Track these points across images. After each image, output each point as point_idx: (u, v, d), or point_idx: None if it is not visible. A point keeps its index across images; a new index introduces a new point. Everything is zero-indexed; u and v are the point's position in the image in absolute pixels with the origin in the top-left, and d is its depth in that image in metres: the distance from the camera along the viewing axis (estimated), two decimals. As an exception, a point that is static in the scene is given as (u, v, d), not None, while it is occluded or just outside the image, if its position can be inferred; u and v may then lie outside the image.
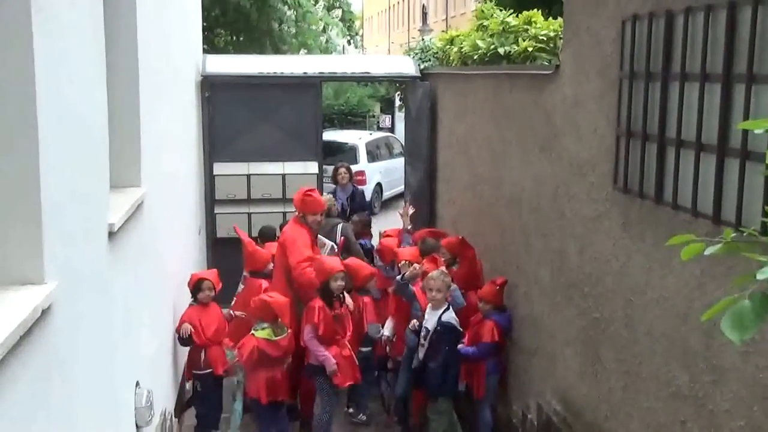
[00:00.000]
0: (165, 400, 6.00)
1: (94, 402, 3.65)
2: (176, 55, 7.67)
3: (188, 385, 7.27)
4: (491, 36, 8.31)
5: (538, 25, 7.84)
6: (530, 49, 7.48)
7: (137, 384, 4.74)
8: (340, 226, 8.48)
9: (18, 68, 2.67)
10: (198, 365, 6.81)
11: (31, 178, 2.73)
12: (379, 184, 18.44)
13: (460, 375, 6.72)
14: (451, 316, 6.56)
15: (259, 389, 6.47)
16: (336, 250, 7.64)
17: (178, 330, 6.70)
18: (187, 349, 6.89)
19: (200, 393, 6.94)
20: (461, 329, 6.66)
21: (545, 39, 7.54)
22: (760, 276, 1.66)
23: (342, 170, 10.43)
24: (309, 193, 7.24)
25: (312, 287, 6.70)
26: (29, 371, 2.62)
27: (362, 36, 27.26)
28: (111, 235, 3.98)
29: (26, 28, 2.66)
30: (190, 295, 6.95)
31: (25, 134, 2.70)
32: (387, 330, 7.20)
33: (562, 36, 6.31)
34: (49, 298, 2.75)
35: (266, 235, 8.31)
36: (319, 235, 7.47)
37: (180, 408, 7.10)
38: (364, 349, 7.26)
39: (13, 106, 2.68)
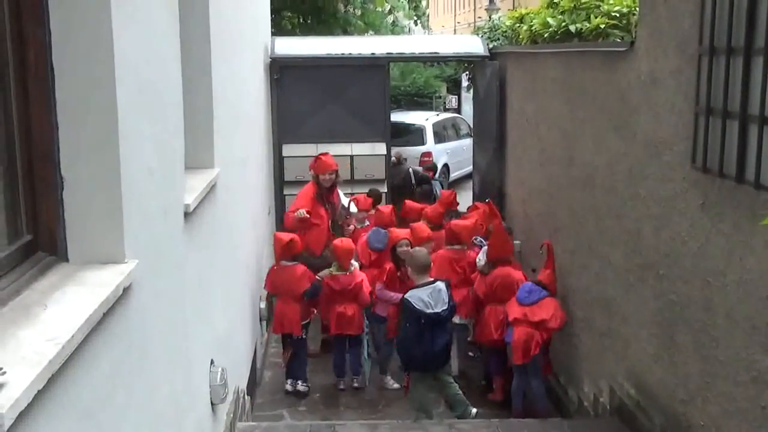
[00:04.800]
0: (238, 378, 6.09)
1: (171, 379, 3.72)
2: (246, 37, 7.73)
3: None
4: (562, 13, 8.14)
5: (611, 1, 7.66)
6: (602, 26, 7.31)
7: (212, 362, 4.81)
8: (411, 169, 11.67)
9: (98, 50, 2.71)
10: (308, 315, 7.75)
11: (111, 158, 2.77)
12: (446, 165, 18.34)
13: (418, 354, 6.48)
14: (408, 294, 6.45)
15: (330, 321, 7.63)
16: (353, 203, 8.81)
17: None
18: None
19: (303, 341, 7.75)
20: (411, 308, 6.35)
21: (618, 15, 7.36)
22: None
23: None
24: (321, 156, 8.37)
25: (291, 228, 7.90)
26: (111, 348, 2.67)
27: (428, 17, 27.04)
28: (186, 215, 4.04)
29: (105, 9, 2.69)
30: (262, 273, 7.23)
31: (105, 114, 2.74)
32: None
33: (636, 11, 6.16)
34: (129, 277, 2.79)
35: (374, 196, 9.59)
36: (338, 190, 8.58)
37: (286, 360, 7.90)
38: None
39: (94, 87, 2.72)
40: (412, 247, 7.57)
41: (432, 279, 6.55)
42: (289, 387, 7.71)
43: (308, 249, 7.97)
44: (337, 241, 7.66)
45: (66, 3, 2.66)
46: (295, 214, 7.81)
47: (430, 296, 6.37)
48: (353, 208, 8.43)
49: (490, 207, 8.45)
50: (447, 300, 6.40)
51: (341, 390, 7.77)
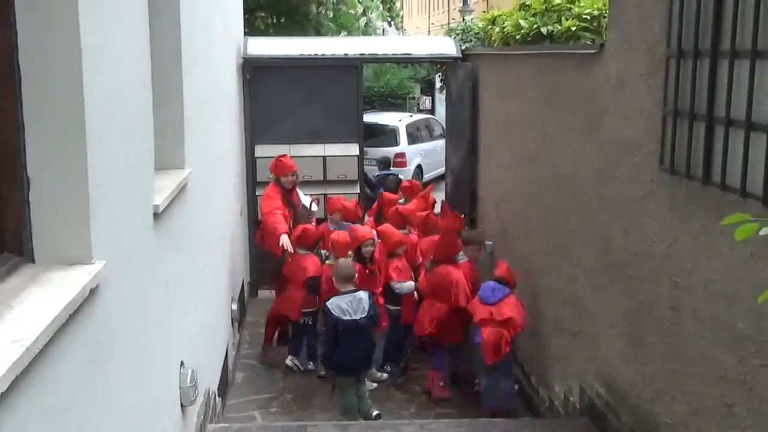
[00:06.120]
0: (209, 379, 6.06)
1: (139, 381, 3.70)
2: (218, 36, 7.70)
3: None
4: (533, 15, 8.19)
5: (582, 4, 7.72)
6: (573, 29, 7.37)
7: (182, 364, 4.79)
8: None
9: (65, 49, 2.69)
10: (312, 304, 7.97)
11: (78, 157, 2.76)
12: (419, 166, 18.38)
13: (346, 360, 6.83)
14: (329, 302, 6.78)
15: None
16: (314, 203, 8.75)
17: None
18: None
19: (311, 327, 8.09)
20: (329, 315, 6.71)
21: (589, 18, 7.42)
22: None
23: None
24: (281, 158, 8.38)
25: (272, 230, 7.85)
26: (78, 350, 2.65)
27: (402, 18, 27.21)
28: (156, 216, 4.02)
29: (72, 8, 2.68)
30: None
31: (72, 114, 2.73)
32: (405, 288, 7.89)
33: (606, 14, 6.21)
34: (97, 278, 2.78)
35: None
36: (298, 190, 8.60)
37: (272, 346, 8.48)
38: (392, 308, 7.97)
39: (61, 87, 2.70)
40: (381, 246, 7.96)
41: (354, 288, 6.87)
42: (288, 362, 8.14)
43: (273, 250, 8.05)
44: (334, 235, 7.92)
45: (33, 3, 2.64)
46: (283, 245, 7.71)
47: (349, 304, 6.72)
48: (314, 207, 8.48)
49: (443, 207, 8.68)
50: (367, 309, 6.72)
51: (321, 377, 7.92)
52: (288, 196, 8.31)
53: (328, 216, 8.85)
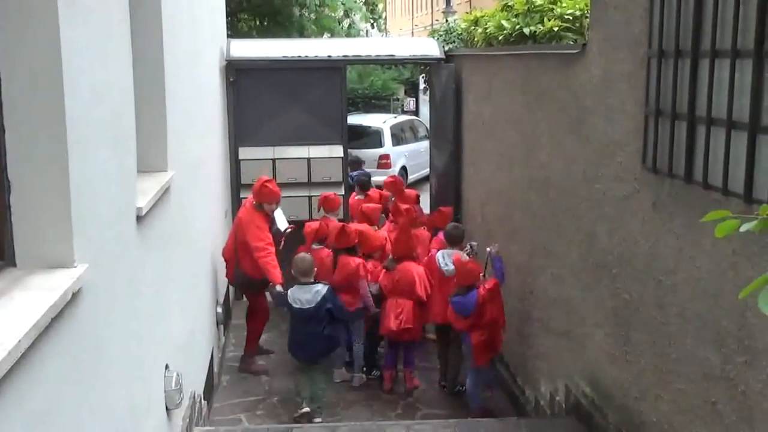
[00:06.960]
0: (194, 383, 6.04)
1: (123, 384, 3.68)
2: (201, 39, 7.68)
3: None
4: (516, 16, 8.21)
5: (564, 4, 7.75)
6: (556, 29, 7.39)
7: (166, 367, 4.77)
8: None
9: (45, 52, 2.67)
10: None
11: (59, 161, 2.74)
12: (404, 168, 18.39)
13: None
14: (290, 290, 7.04)
15: None
16: (289, 229, 8.41)
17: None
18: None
19: None
20: (286, 302, 7.00)
21: (571, 18, 7.45)
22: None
23: None
24: (267, 184, 7.91)
25: (266, 273, 7.57)
26: (61, 353, 2.64)
27: (385, 19, 27.23)
28: (139, 218, 4.00)
29: (52, 12, 2.66)
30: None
31: (53, 117, 2.71)
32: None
33: (588, 15, 6.24)
34: (79, 282, 2.76)
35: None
36: (276, 213, 8.25)
37: None
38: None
39: (41, 90, 2.68)
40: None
41: (313, 281, 7.02)
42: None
43: (248, 275, 7.96)
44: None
45: (12, 6, 2.63)
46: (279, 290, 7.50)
47: (303, 294, 6.91)
48: (287, 231, 8.38)
49: (395, 206, 8.89)
50: (319, 299, 6.87)
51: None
52: (269, 222, 8.06)
53: (324, 215, 8.84)
